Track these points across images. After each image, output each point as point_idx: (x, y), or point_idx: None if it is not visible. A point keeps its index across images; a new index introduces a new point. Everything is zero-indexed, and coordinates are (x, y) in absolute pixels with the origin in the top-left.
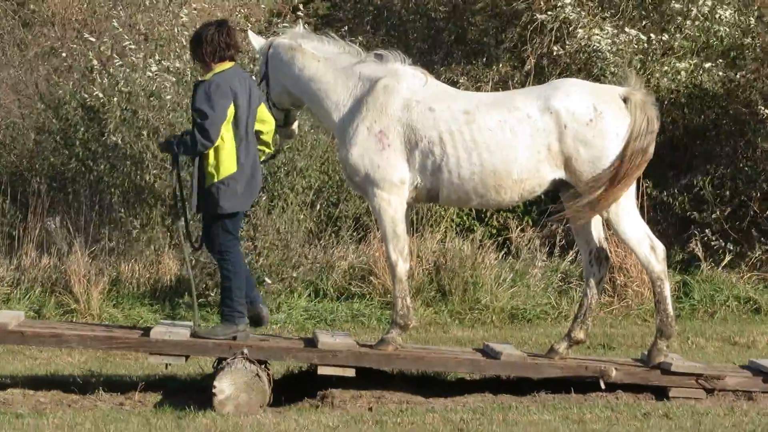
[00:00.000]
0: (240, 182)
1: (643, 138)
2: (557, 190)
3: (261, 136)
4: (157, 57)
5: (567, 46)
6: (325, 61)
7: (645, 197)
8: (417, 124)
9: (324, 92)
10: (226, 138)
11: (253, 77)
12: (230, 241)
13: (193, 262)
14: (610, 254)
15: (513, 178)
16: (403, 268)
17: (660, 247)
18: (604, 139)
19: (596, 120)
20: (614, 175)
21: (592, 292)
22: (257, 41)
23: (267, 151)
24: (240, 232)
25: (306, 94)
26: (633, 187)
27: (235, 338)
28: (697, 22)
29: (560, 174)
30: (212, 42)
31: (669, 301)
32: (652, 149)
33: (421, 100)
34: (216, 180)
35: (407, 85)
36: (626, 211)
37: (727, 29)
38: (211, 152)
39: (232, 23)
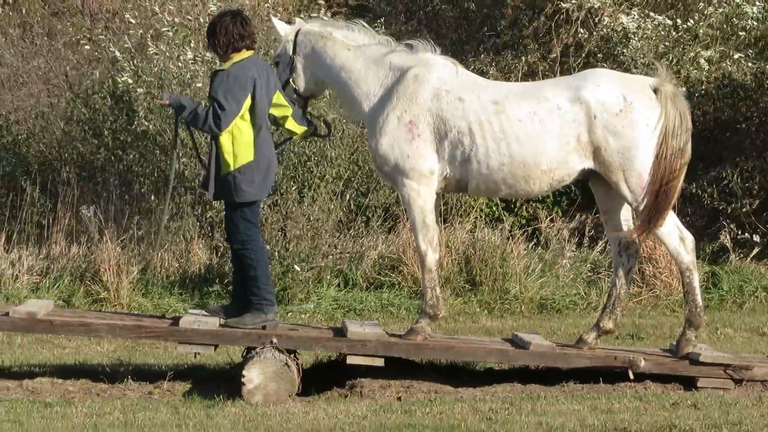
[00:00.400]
0: (257, 171)
1: (678, 136)
2: (586, 180)
3: (281, 122)
4: (192, 44)
5: (594, 33)
6: (355, 50)
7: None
8: (446, 114)
9: (354, 81)
10: (243, 127)
11: (268, 61)
12: (250, 230)
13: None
14: (639, 245)
15: (542, 169)
16: (432, 258)
17: (689, 238)
18: (634, 130)
19: (626, 110)
20: (657, 185)
21: (620, 282)
22: (282, 27)
23: (301, 129)
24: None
25: (336, 83)
26: (679, 185)
27: (264, 327)
28: (720, 10)
29: (589, 164)
30: (227, 33)
31: (698, 291)
32: (689, 149)
33: (450, 89)
34: (232, 168)
35: (437, 75)
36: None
37: (755, 22)
38: (228, 140)
39: (260, 13)
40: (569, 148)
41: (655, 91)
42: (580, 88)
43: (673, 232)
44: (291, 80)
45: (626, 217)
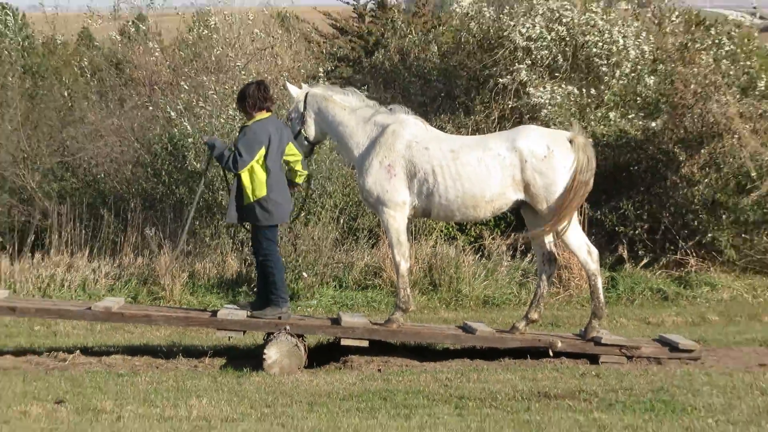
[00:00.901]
0: (269, 202)
1: (585, 173)
2: (518, 208)
3: (292, 165)
4: (234, 106)
5: (521, 101)
6: (350, 110)
7: (584, 215)
8: (416, 159)
9: (349, 134)
10: (257, 170)
11: (283, 117)
12: (270, 247)
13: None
14: (557, 256)
15: (486, 200)
16: (405, 267)
17: (595, 252)
18: (554, 171)
19: (549, 156)
20: (563, 203)
21: (543, 284)
22: (294, 90)
23: (303, 174)
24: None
25: (335, 134)
26: (574, 213)
27: (280, 318)
28: (621, 82)
29: (521, 196)
30: (253, 96)
31: (601, 291)
32: (591, 182)
33: (419, 141)
34: (252, 200)
35: (410, 131)
36: (571, 226)
37: (649, 91)
38: (247, 179)
39: (278, 81)
40: (507, 184)
41: (571, 141)
42: (515, 140)
43: (582, 246)
44: (303, 130)
45: (548, 237)
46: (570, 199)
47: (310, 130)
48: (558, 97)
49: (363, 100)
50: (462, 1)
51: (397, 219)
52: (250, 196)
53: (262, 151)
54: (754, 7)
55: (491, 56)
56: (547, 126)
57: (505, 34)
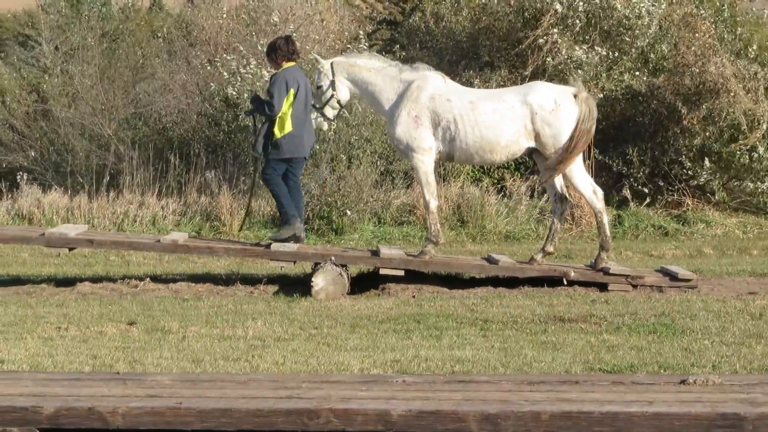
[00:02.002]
0: (294, 138)
1: (586, 122)
2: (531, 155)
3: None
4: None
5: (557, 59)
6: (376, 71)
7: (593, 160)
8: (439, 109)
9: (379, 92)
10: (286, 110)
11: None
12: (273, 176)
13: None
14: (568, 196)
15: (501, 146)
16: (434, 204)
17: (600, 192)
18: (561, 122)
19: (556, 109)
20: (568, 147)
21: (556, 220)
22: (322, 61)
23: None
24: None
25: (366, 93)
26: (581, 155)
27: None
28: (638, 47)
29: (532, 144)
30: (282, 48)
31: (607, 226)
32: (593, 130)
33: (441, 93)
34: (279, 136)
35: (432, 84)
36: (577, 169)
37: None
38: (278, 119)
39: (326, 44)
40: (519, 132)
41: (575, 95)
42: (527, 95)
43: (588, 187)
44: (334, 95)
45: (559, 180)
46: (573, 146)
47: (342, 94)
48: (585, 57)
49: (385, 61)
50: None
51: (425, 162)
52: (278, 132)
53: (292, 92)
54: None
55: (527, 22)
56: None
57: (543, 3)
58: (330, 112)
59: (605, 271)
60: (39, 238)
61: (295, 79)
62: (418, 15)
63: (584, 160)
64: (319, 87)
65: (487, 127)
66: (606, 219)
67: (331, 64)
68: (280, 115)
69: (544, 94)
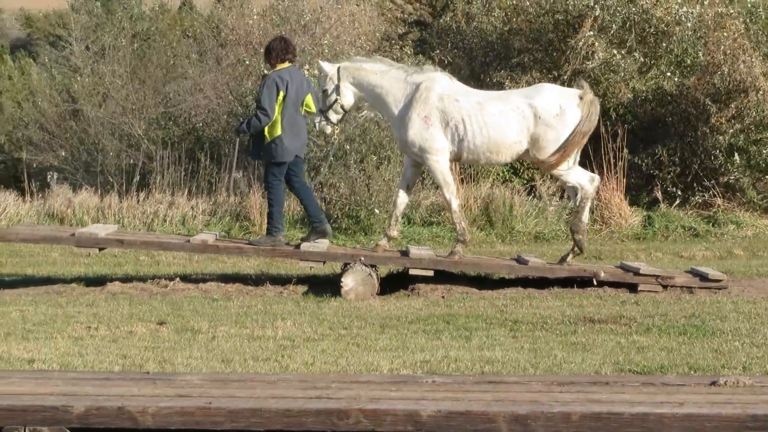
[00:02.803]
0: (283, 141)
1: (585, 125)
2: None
3: (308, 111)
4: (306, 67)
5: (591, 62)
6: (381, 74)
7: (624, 160)
8: (447, 110)
9: (385, 94)
10: (277, 113)
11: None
12: (273, 181)
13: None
14: (580, 185)
15: (506, 146)
16: (455, 203)
17: (597, 179)
18: (564, 127)
19: (560, 114)
20: (565, 145)
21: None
22: (327, 66)
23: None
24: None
25: (372, 96)
26: (573, 157)
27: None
28: (675, 51)
29: (530, 145)
30: (276, 49)
31: (586, 214)
32: (590, 133)
33: (450, 94)
34: (269, 139)
35: (440, 85)
36: (566, 168)
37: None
38: (276, 123)
39: (357, 45)
40: (523, 134)
41: (581, 98)
42: (533, 98)
43: (584, 177)
44: (338, 99)
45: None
46: (567, 145)
47: (346, 99)
48: (622, 61)
49: (390, 64)
50: None
51: (440, 162)
52: (267, 136)
53: (281, 95)
54: None
55: (558, 24)
56: (598, 83)
57: (581, 6)
58: (334, 116)
59: (635, 272)
60: (69, 238)
61: (284, 81)
62: (449, 15)
63: (614, 162)
64: (324, 91)
65: (493, 127)
66: (588, 206)
67: (338, 69)
68: (271, 120)
69: (549, 98)
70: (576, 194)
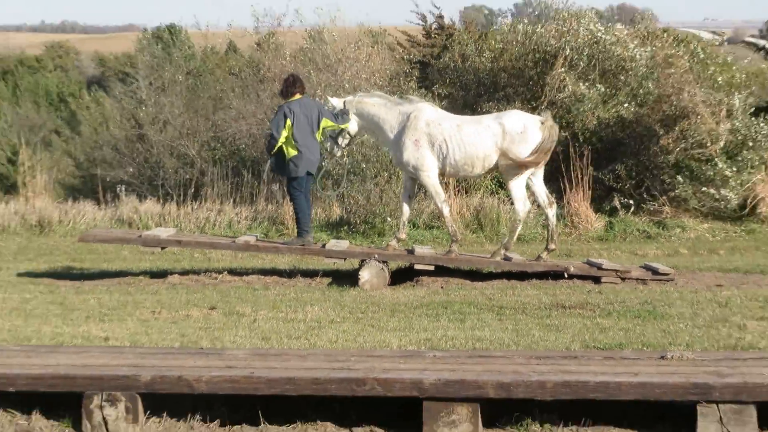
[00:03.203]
0: (298, 160)
1: (547, 144)
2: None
3: (333, 128)
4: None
5: (563, 94)
6: (379, 105)
7: (590, 175)
8: (433, 132)
9: (383, 121)
10: (288, 136)
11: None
12: (294, 193)
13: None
14: (550, 198)
15: (479, 159)
16: (446, 209)
17: (528, 206)
18: (526, 144)
19: (524, 132)
20: (527, 159)
21: (552, 223)
22: (335, 101)
23: (344, 126)
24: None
25: (372, 123)
26: (529, 171)
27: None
28: (631, 85)
29: (499, 159)
30: (285, 85)
31: (516, 233)
32: (551, 153)
33: (434, 120)
34: (288, 159)
35: (426, 113)
36: (519, 181)
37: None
38: (284, 144)
39: (371, 81)
40: (492, 149)
41: (542, 123)
42: (501, 118)
43: (522, 200)
44: (344, 128)
45: (540, 191)
46: (529, 159)
47: (351, 127)
48: (588, 92)
49: (385, 97)
50: (505, 21)
51: (431, 177)
52: (287, 155)
53: (288, 123)
54: (716, 32)
55: (537, 62)
56: (569, 112)
57: (554, 47)
58: (342, 141)
59: (599, 266)
60: (137, 239)
61: (291, 111)
62: (447, 56)
63: (582, 177)
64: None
65: (469, 144)
66: (519, 228)
67: (344, 102)
68: (284, 141)
69: (515, 119)
70: (550, 206)
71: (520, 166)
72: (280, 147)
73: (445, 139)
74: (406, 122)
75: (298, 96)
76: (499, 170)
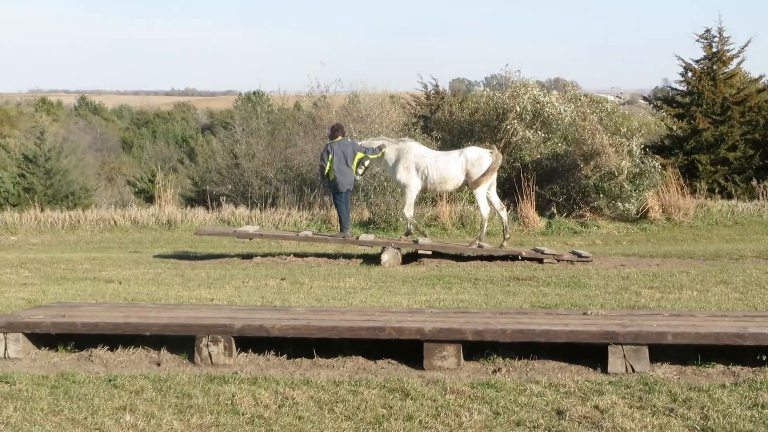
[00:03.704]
0: (335, 181)
1: (495, 165)
2: (466, 185)
3: (364, 158)
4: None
5: (515, 137)
6: (388, 145)
7: (535, 191)
8: (418, 162)
9: (385, 156)
10: (330, 167)
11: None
12: (337, 202)
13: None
14: (503, 207)
15: (450, 178)
16: (409, 215)
17: (488, 210)
18: (482, 167)
19: (479, 159)
20: (480, 178)
21: (504, 219)
22: (375, 141)
23: (374, 156)
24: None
25: (382, 159)
26: (485, 185)
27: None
28: (560, 131)
29: (464, 178)
30: (332, 130)
31: (485, 229)
32: (497, 171)
33: (419, 153)
34: (330, 179)
35: (414, 149)
36: (481, 193)
37: (573, 135)
38: (330, 171)
39: (389, 127)
40: (459, 172)
41: (491, 152)
42: (464, 152)
43: (484, 206)
44: (374, 158)
45: (494, 199)
46: (483, 175)
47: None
48: (532, 136)
49: (386, 138)
50: (479, 89)
51: (412, 194)
52: (329, 178)
53: (330, 157)
54: (619, 94)
55: (499, 116)
56: (521, 150)
57: (510, 106)
58: (361, 167)
59: (541, 252)
60: (233, 233)
61: (332, 148)
62: (440, 112)
63: (530, 192)
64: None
65: (443, 169)
66: (486, 225)
67: (381, 142)
68: (329, 169)
69: (473, 151)
70: (500, 209)
71: (479, 182)
72: (328, 172)
73: (427, 166)
74: (400, 156)
75: (339, 138)
76: (468, 186)
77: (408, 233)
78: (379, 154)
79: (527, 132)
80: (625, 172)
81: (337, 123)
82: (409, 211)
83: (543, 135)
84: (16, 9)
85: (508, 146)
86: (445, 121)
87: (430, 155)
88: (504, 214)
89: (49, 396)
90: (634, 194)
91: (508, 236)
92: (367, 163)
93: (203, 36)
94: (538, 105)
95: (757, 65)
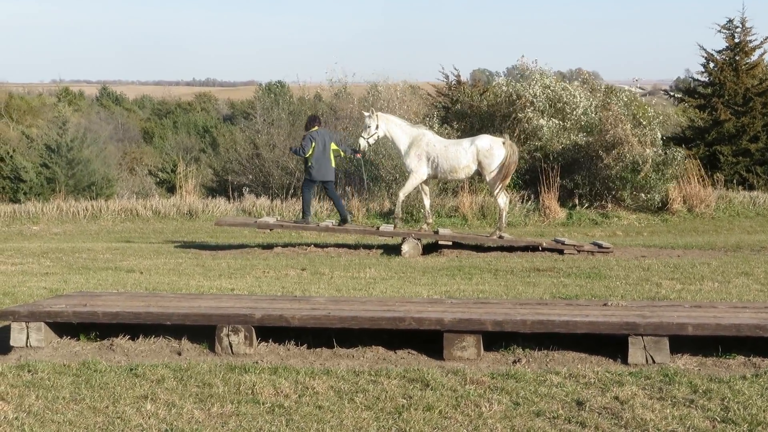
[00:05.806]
0: (312, 170)
1: (511, 158)
2: (479, 174)
3: (339, 152)
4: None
5: (530, 125)
6: (399, 127)
7: (558, 182)
8: (429, 150)
9: (398, 139)
10: (311, 154)
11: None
12: (306, 186)
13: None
14: (504, 198)
15: (462, 168)
16: (401, 198)
17: (505, 200)
18: (493, 158)
19: (491, 150)
20: (499, 176)
21: (502, 213)
22: (377, 113)
23: (341, 152)
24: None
25: (393, 136)
26: (505, 183)
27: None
28: (577, 117)
29: (476, 167)
30: (309, 121)
31: (504, 218)
32: (515, 165)
33: (431, 141)
34: (307, 166)
35: (427, 136)
36: (498, 187)
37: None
38: (310, 158)
39: (408, 117)
40: (470, 161)
41: (503, 143)
42: (475, 141)
43: (501, 196)
44: (375, 133)
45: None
46: (505, 173)
47: (379, 133)
48: (546, 125)
49: (404, 121)
50: (499, 79)
51: (416, 179)
52: (308, 163)
53: (312, 145)
54: (636, 80)
55: (513, 103)
56: (536, 136)
57: (523, 93)
58: (371, 139)
59: (563, 242)
60: (253, 223)
61: (313, 138)
62: (459, 103)
63: (552, 183)
64: (368, 126)
65: (453, 159)
66: (505, 215)
67: (377, 115)
68: (307, 156)
69: (484, 140)
70: (503, 203)
71: (496, 181)
72: (306, 159)
73: (438, 155)
74: (412, 142)
75: (316, 128)
76: (485, 182)
77: (396, 218)
78: (351, 156)
79: (541, 120)
80: (650, 161)
81: (314, 114)
82: (405, 195)
83: (558, 122)
84: (39, 0)
85: (522, 134)
86: (464, 111)
87: (440, 144)
88: (502, 206)
89: (70, 385)
90: (658, 183)
91: (503, 227)
92: (371, 138)
93: (222, 26)
94: (550, 91)
95: None
